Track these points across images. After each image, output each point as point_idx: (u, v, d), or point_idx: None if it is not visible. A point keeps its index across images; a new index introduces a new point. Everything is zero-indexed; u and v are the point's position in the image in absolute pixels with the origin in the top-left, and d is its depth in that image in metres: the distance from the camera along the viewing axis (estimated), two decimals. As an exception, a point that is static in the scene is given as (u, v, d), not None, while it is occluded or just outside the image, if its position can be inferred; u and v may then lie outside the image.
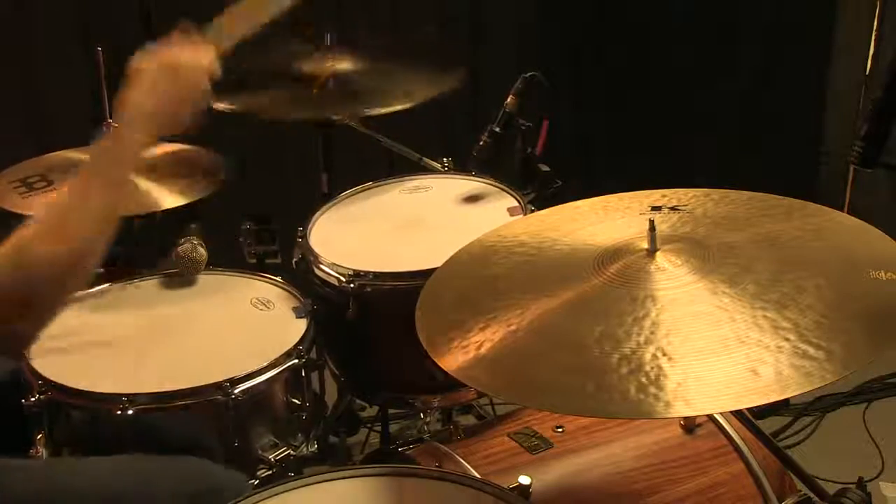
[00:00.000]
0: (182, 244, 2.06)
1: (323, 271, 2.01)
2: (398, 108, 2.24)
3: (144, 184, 2.10)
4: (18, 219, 1.98)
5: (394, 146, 2.46)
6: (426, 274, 1.58)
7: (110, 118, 2.12)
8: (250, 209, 2.42)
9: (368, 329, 2.00)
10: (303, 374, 1.88)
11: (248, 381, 1.76)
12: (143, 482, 1.61)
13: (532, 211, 2.08)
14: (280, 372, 1.81)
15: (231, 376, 1.74)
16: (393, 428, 2.62)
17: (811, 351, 1.20)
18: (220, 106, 2.20)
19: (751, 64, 3.55)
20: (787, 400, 2.75)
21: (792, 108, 3.54)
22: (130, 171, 1.50)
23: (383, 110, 2.25)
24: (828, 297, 1.29)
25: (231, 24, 1.64)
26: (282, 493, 1.40)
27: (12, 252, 1.37)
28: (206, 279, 2.08)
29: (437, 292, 1.52)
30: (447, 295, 1.50)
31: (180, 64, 1.51)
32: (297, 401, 1.87)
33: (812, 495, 1.53)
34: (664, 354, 1.23)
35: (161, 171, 2.15)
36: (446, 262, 1.60)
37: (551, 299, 1.39)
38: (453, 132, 3.33)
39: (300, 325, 1.92)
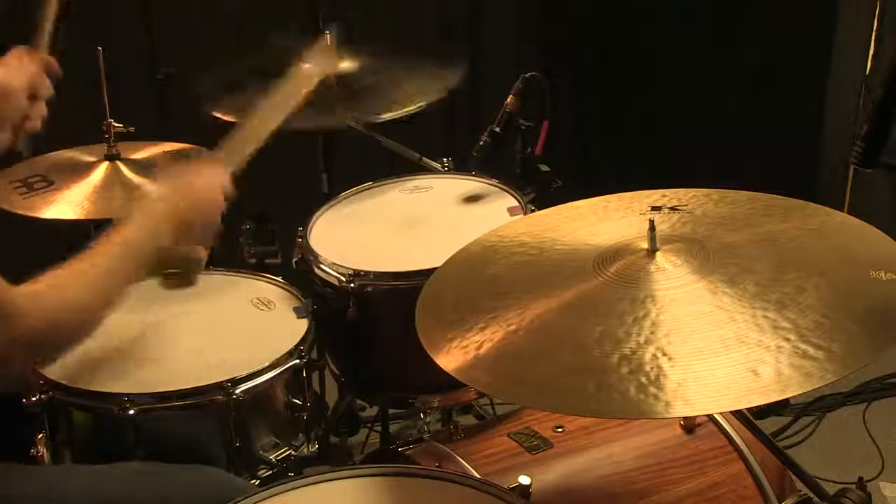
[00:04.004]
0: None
1: (323, 271, 2.01)
2: (406, 112, 2.24)
3: (144, 184, 2.10)
4: (19, 219, 2.00)
5: (394, 146, 2.45)
6: (426, 274, 1.58)
7: (110, 118, 2.14)
8: (250, 209, 2.42)
9: (368, 329, 2.00)
10: (304, 374, 1.88)
11: (249, 381, 1.76)
12: (154, 491, 1.59)
13: (532, 211, 2.08)
14: (281, 372, 1.81)
15: (232, 376, 1.74)
16: (393, 428, 2.62)
17: (811, 351, 1.20)
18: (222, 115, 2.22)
19: (751, 64, 3.55)
20: (787, 400, 2.74)
21: (792, 108, 3.54)
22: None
23: (388, 116, 2.25)
24: (828, 297, 1.29)
25: (241, 144, 1.77)
26: (282, 493, 1.40)
27: (47, 290, 1.43)
28: (206, 279, 2.07)
29: (437, 292, 1.52)
30: (447, 295, 1.50)
31: (196, 188, 1.65)
32: (297, 401, 1.87)
33: (812, 495, 1.53)
34: (664, 354, 1.23)
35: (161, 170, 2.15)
36: (446, 262, 1.60)
37: (551, 299, 1.39)
38: (453, 132, 3.33)
39: (301, 325, 1.92)
